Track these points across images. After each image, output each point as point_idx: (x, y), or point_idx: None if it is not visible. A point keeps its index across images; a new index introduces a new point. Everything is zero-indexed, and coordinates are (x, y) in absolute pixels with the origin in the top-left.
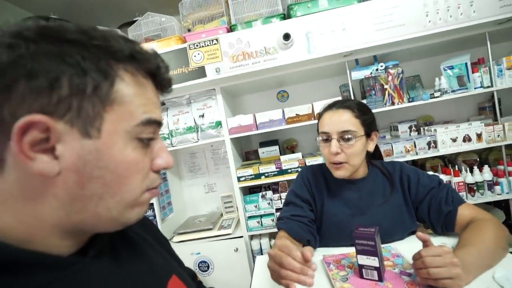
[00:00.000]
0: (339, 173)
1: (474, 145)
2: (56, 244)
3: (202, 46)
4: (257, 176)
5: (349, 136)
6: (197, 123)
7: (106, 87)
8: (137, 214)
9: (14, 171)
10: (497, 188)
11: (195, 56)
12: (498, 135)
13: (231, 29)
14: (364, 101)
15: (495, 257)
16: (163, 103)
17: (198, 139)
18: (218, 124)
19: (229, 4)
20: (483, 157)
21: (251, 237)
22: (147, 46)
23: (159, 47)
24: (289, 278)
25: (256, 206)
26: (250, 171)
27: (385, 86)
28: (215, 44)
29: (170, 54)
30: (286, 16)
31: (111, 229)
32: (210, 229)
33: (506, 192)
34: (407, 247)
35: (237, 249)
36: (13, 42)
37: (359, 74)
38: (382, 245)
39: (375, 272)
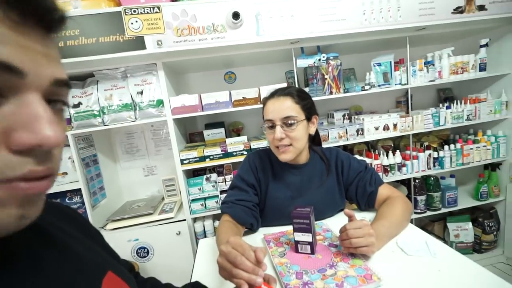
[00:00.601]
0: (284, 157)
1: (391, 133)
2: None
3: (141, 13)
4: (202, 158)
5: (291, 121)
6: (135, 100)
7: None
8: (8, 216)
9: None
10: (404, 169)
11: (132, 23)
12: (408, 126)
13: None
14: (307, 89)
15: (400, 227)
16: (91, 75)
17: (136, 118)
18: (160, 103)
19: None
20: (396, 144)
21: (194, 220)
22: (68, 2)
23: (85, 6)
24: (239, 276)
25: (200, 189)
26: (194, 153)
27: (326, 76)
28: (156, 12)
29: (100, 17)
30: None
31: None
32: (151, 213)
33: (409, 172)
34: (336, 223)
35: (179, 233)
36: None
37: (303, 62)
38: (316, 222)
39: (309, 247)
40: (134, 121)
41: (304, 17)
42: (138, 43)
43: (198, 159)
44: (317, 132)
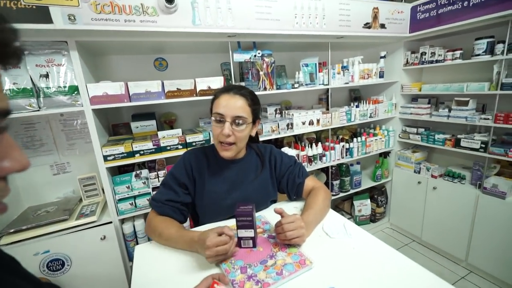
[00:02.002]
0: (226, 154)
1: (315, 128)
2: None
3: None
4: (130, 154)
5: (241, 121)
6: (38, 85)
7: None
8: None
9: None
10: (324, 158)
11: None
12: (328, 121)
13: None
14: (243, 83)
15: (324, 213)
16: None
17: (40, 107)
18: (74, 89)
19: None
20: (317, 136)
21: (122, 221)
22: None
23: None
24: (230, 254)
25: (128, 187)
26: (121, 148)
27: (260, 73)
28: None
29: None
30: None
31: None
32: (65, 219)
33: (328, 161)
34: (271, 214)
35: (104, 237)
36: None
37: (240, 57)
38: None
39: (251, 241)
40: (38, 110)
41: (242, 12)
42: (41, 14)
43: (125, 154)
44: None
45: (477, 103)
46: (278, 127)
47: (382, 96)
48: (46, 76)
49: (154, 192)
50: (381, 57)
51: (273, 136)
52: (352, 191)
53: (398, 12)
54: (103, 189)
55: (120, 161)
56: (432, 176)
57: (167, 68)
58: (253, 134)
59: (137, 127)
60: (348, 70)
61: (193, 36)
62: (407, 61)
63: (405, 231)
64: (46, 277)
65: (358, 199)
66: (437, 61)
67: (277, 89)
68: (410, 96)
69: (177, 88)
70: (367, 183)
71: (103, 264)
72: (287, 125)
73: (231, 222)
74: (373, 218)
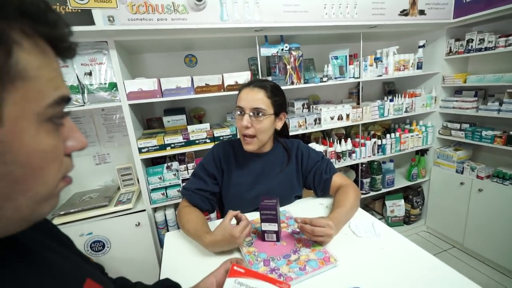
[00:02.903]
0: (248, 147)
1: (344, 123)
2: None
3: None
4: (162, 147)
5: (260, 113)
6: (83, 82)
7: (2, 59)
8: (51, 206)
9: None
10: (354, 155)
11: None
12: (359, 116)
13: None
14: (270, 78)
15: (353, 212)
16: None
17: (84, 103)
18: (113, 86)
19: None
20: (347, 131)
21: (155, 210)
22: None
23: None
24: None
25: (160, 178)
26: (154, 141)
27: (288, 67)
28: None
29: None
30: None
31: (14, 231)
32: (106, 205)
33: (358, 158)
34: (296, 209)
35: (139, 224)
36: None
37: (267, 51)
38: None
39: (275, 235)
40: (83, 105)
41: (269, 5)
42: (85, 16)
43: (158, 147)
44: (285, 124)
45: None
46: (306, 122)
47: (420, 89)
48: (90, 74)
49: (185, 182)
50: (420, 47)
51: (300, 131)
52: (384, 190)
53: None
54: (138, 179)
55: (153, 153)
56: (478, 177)
57: (196, 64)
58: (278, 127)
59: (169, 121)
60: (381, 61)
61: (221, 32)
62: (450, 50)
63: (444, 235)
64: (90, 256)
65: (391, 199)
66: (486, 49)
67: (304, 83)
68: (453, 88)
69: (206, 84)
70: (401, 183)
71: (138, 249)
72: (315, 120)
73: (255, 215)
74: (407, 220)
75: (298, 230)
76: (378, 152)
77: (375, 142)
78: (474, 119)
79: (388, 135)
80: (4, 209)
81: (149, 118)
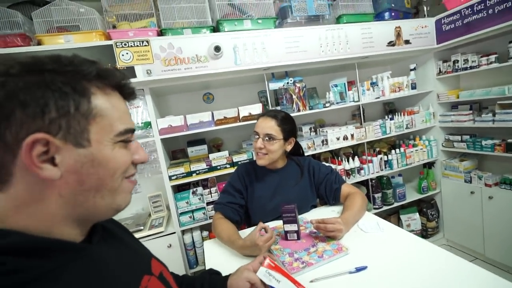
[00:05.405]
0: (260, 161)
1: (350, 142)
2: (69, 233)
3: (131, 46)
4: (189, 174)
5: (270, 138)
6: None
7: (86, 105)
8: (125, 200)
9: (22, 181)
10: (362, 171)
11: (123, 55)
12: (362, 135)
13: (161, 33)
14: (278, 107)
15: (360, 215)
16: None
17: None
18: (148, 124)
19: (159, 8)
20: (354, 150)
21: (183, 232)
22: (61, 37)
23: (77, 40)
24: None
25: (187, 202)
26: (181, 169)
27: (293, 97)
28: (145, 45)
29: (93, 49)
30: (215, 29)
31: (107, 216)
32: (141, 229)
33: (367, 174)
34: (312, 216)
35: (170, 245)
36: (3, 80)
37: (275, 86)
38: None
39: (295, 234)
40: None
41: (274, 49)
42: (129, 72)
43: (185, 174)
44: (300, 146)
45: None
46: (314, 143)
47: (417, 106)
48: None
49: (210, 208)
50: (411, 70)
51: (310, 153)
52: (396, 204)
53: (422, 27)
54: (166, 206)
55: (181, 180)
56: (486, 185)
57: (213, 100)
58: (288, 149)
59: (192, 151)
60: (377, 85)
61: (235, 74)
62: (439, 70)
63: (465, 247)
64: None
65: (405, 213)
66: (471, 67)
67: (309, 109)
68: (449, 104)
69: (224, 116)
70: (412, 196)
71: (171, 269)
72: (322, 141)
73: (277, 223)
74: (425, 233)
75: (314, 230)
76: (385, 167)
77: (381, 158)
78: (473, 130)
79: (393, 151)
80: (97, 198)
81: (174, 150)
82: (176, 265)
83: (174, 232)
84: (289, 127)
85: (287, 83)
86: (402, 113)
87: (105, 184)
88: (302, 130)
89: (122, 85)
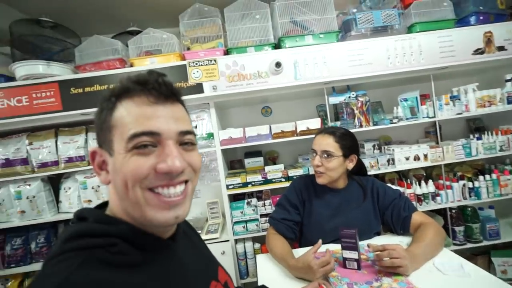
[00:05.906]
0: (319, 180)
1: (422, 163)
2: (155, 231)
3: (201, 65)
4: (245, 184)
5: (327, 155)
6: None
7: (109, 118)
8: (155, 216)
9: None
10: (438, 198)
11: (194, 73)
12: (439, 156)
13: (227, 52)
14: (338, 123)
15: (435, 251)
16: None
17: None
18: (210, 135)
19: (227, 30)
20: (428, 173)
21: (236, 241)
22: (147, 59)
23: (159, 61)
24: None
25: (241, 212)
26: (238, 179)
27: (355, 111)
28: (213, 64)
29: (170, 69)
30: (276, 46)
31: (156, 228)
32: (199, 233)
33: (444, 202)
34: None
35: (223, 252)
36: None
37: (335, 100)
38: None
39: (355, 263)
40: None
41: (335, 63)
42: (197, 87)
43: (241, 184)
44: (362, 164)
45: None
46: (378, 162)
47: None
48: (195, 127)
49: (263, 220)
50: (507, 81)
51: (373, 172)
52: (486, 243)
53: None
54: (222, 213)
55: (237, 189)
56: None
57: (271, 114)
58: (349, 167)
59: (249, 163)
60: (459, 99)
61: (294, 88)
62: None
63: None
64: None
65: (499, 256)
66: None
67: (373, 125)
68: None
69: (281, 130)
70: (510, 235)
71: None
72: (388, 161)
73: (335, 246)
74: None
75: (377, 262)
76: (470, 196)
77: (464, 185)
78: None
79: (481, 177)
80: (129, 208)
81: (232, 160)
82: (229, 272)
83: (228, 240)
84: (349, 143)
85: (349, 97)
86: (493, 132)
87: (124, 194)
88: (364, 147)
89: (146, 83)
